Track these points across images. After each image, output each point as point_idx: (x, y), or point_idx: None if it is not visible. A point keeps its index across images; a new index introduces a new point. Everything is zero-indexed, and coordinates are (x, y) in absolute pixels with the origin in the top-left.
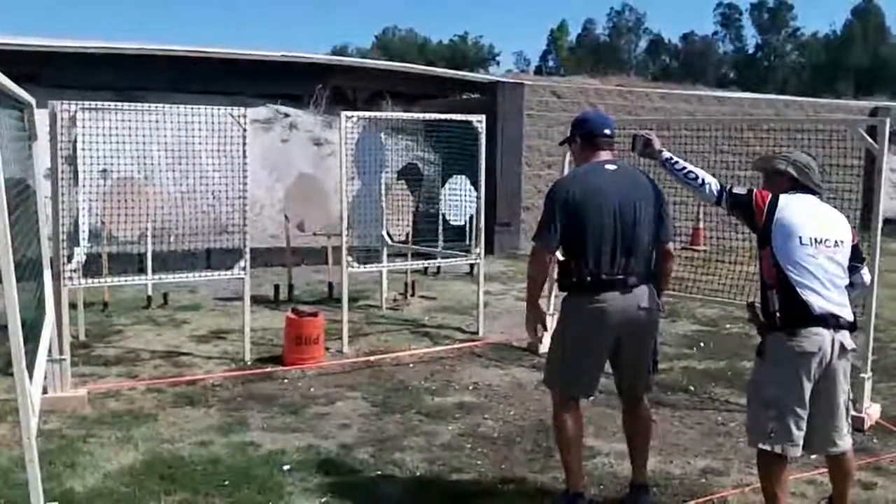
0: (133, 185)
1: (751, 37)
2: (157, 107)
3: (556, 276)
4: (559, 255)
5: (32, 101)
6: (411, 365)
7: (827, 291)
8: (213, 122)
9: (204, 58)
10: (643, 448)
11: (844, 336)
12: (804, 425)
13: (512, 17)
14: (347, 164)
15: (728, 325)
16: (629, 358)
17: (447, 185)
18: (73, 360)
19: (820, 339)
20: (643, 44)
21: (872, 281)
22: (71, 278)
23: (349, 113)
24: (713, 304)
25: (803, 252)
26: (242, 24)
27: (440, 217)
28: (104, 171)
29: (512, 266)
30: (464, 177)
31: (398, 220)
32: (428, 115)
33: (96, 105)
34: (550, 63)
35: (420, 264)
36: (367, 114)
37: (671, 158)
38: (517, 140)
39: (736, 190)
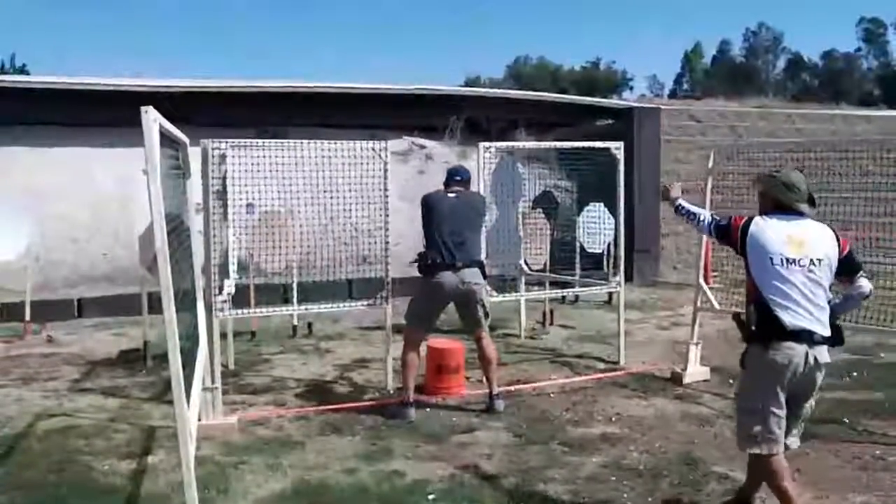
0: (278, 218)
1: None
2: (301, 143)
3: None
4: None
5: (186, 140)
6: (552, 395)
7: (800, 309)
8: (353, 156)
9: (341, 93)
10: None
11: (820, 351)
12: (784, 424)
13: (645, 41)
14: (485, 193)
15: (883, 354)
16: (464, 311)
17: (584, 213)
18: (223, 389)
19: (792, 352)
20: (781, 63)
21: None
22: (222, 309)
23: (486, 143)
24: (866, 332)
25: (775, 272)
26: (378, 59)
27: (577, 245)
28: (249, 205)
29: (652, 294)
30: (600, 204)
31: (536, 248)
32: (566, 144)
33: (244, 142)
34: (685, 86)
35: (558, 293)
36: (504, 144)
37: (681, 206)
38: (654, 165)
39: (720, 220)
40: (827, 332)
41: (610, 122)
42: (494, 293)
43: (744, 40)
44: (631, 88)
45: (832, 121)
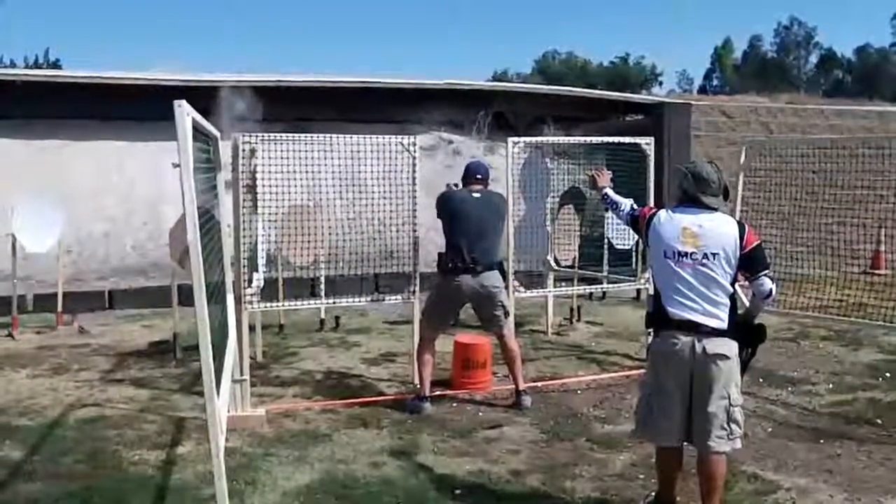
0: (305, 212)
1: None
2: (330, 137)
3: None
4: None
5: (218, 134)
6: (579, 391)
7: (688, 301)
8: (381, 150)
9: (368, 87)
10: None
11: (710, 342)
12: (672, 418)
13: (674, 36)
14: (513, 188)
15: None
16: (483, 312)
17: None
18: (252, 381)
19: (676, 342)
20: (813, 59)
21: None
22: (251, 302)
23: (516, 138)
24: None
25: (666, 265)
26: (405, 53)
27: (605, 241)
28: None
29: None
30: (630, 200)
31: (566, 244)
32: (595, 139)
33: (275, 137)
34: (715, 82)
35: (585, 289)
36: (533, 139)
37: (607, 195)
38: (684, 161)
39: (635, 210)
40: (719, 325)
41: (639, 117)
42: (522, 289)
43: (775, 35)
44: (660, 84)
45: (867, 117)
